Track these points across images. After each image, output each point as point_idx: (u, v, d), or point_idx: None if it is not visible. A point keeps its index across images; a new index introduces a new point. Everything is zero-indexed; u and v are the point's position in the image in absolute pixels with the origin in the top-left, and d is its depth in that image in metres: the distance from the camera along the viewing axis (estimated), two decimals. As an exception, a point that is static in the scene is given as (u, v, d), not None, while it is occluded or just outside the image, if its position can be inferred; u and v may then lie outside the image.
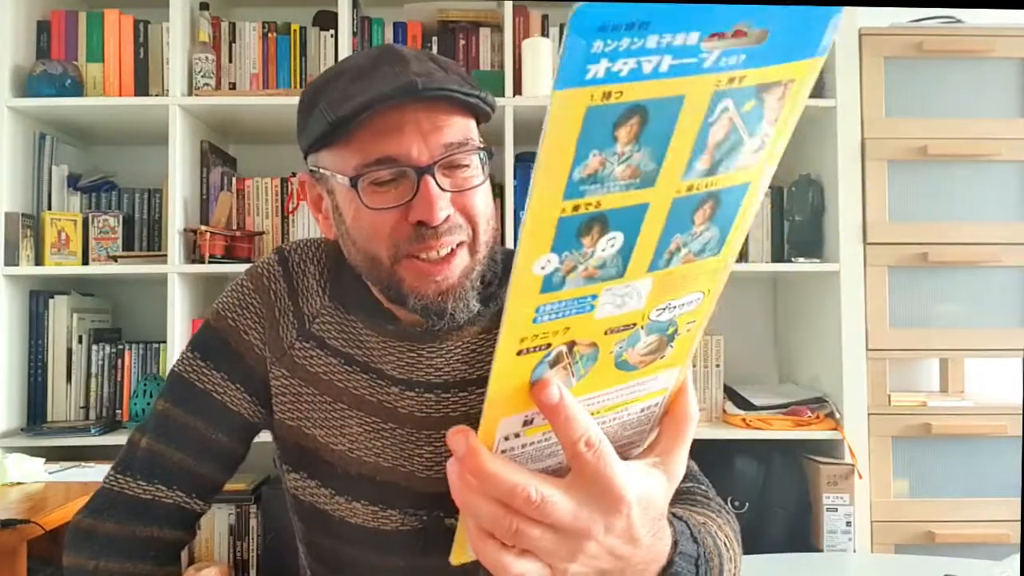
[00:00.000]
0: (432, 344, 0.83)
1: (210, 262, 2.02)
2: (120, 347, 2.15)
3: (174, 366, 0.88)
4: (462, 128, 0.75)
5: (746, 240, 2.42)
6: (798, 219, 2.18)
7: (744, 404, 2.09)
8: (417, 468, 0.83)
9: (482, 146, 0.77)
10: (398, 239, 0.75)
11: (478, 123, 0.80)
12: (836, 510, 1.99)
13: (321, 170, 0.79)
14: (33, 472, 1.75)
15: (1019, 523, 1.96)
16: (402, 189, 0.74)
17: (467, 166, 0.76)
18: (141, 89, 2.15)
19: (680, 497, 0.72)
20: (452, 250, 0.76)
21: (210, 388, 0.85)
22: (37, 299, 2.12)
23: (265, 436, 0.91)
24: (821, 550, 1.97)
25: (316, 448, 0.85)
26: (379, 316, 0.83)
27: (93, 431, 1.98)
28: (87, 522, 0.84)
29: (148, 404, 2.06)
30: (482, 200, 0.78)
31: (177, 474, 0.84)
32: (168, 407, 0.85)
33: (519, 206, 2.13)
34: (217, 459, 0.86)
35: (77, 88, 2.07)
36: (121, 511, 0.83)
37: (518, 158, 2.12)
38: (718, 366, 2.15)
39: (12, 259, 2.00)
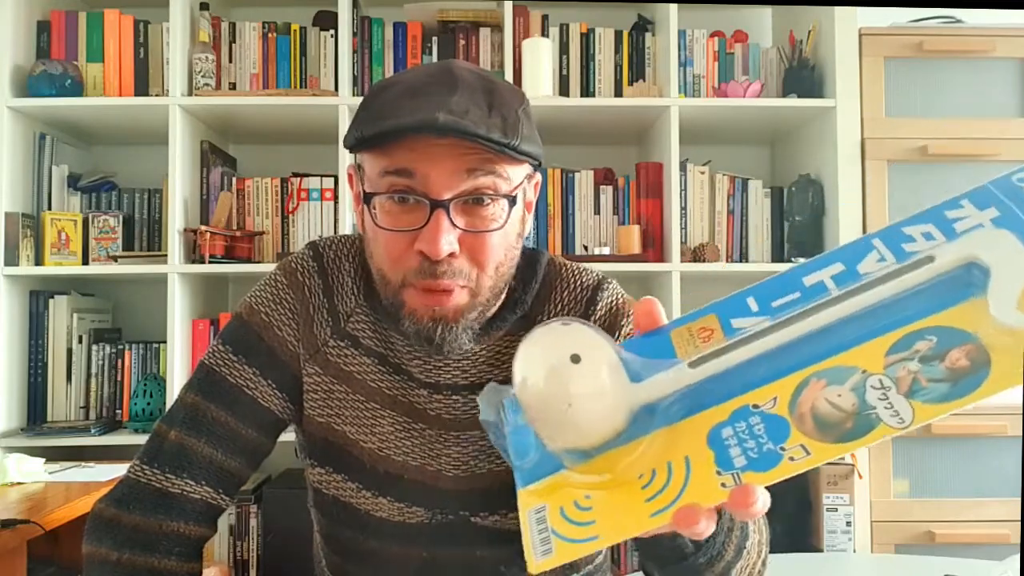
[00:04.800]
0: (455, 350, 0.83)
1: (210, 262, 2.02)
2: (120, 347, 2.15)
3: (204, 359, 0.87)
4: (490, 168, 0.74)
5: (746, 240, 2.42)
6: (798, 219, 2.18)
7: (744, 404, 2.09)
8: (444, 468, 0.84)
9: (506, 194, 0.76)
10: (405, 268, 0.76)
11: (535, 168, 0.80)
12: (836, 510, 1.99)
13: (361, 172, 0.80)
14: (33, 472, 1.75)
15: (1019, 523, 1.96)
16: (415, 216, 0.74)
17: (488, 207, 0.75)
18: (141, 89, 2.15)
19: None
20: (451, 288, 0.76)
21: (242, 383, 0.85)
22: (37, 299, 2.12)
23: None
24: (821, 550, 1.97)
25: (345, 444, 0.85)
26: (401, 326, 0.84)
27: (93, 431, 1.98)
28: (111, 512, 0.83)
29: (148, 404, 2.06)
30: (495, 244, 0.76)
31: (207, 469, 0.84)
32: (199, 400, 0.85)
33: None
34: (245, 455, 0.86)
35: (77, 88, 2.07)
36: (147, 503, 0.82)
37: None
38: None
39: (12, 259, 2.00)
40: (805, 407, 0.43)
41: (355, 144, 0.76)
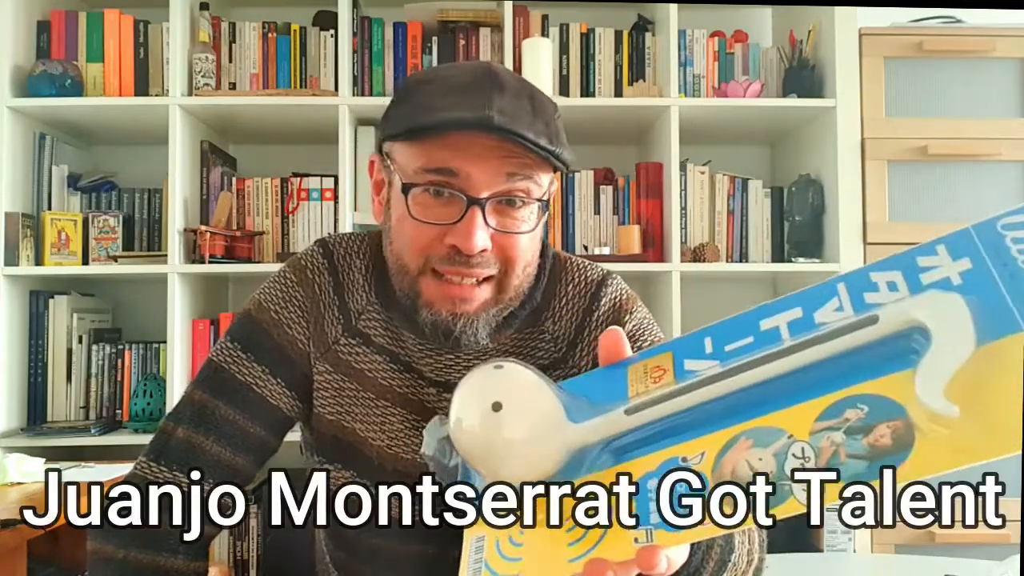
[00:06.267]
0: (468, 346, 0.84)
1: (210, 262, 2.02)
2: (120, 347, 2.15)
3: (212, 355, 0.87)
4: (528, 173, 0.76)
5: (746, 240, 2.42)
6: (798, 219, 2.18)
7: (744, 404, 2.09)
8: None
9: (541, 198, 0.77)
10: (430, 254, 0.77)
11: (556, 172, 0.81)
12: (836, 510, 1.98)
13: (389, 161, 0.80)
14: (33, 472, 1.75)
15: (1019, 523, 1.96)
16: (450, 210, 0.75)
17: (520, 209, 0.77)
18: (141, 89, 2.15)
19: None
20: (478, 281, 0.77)
21: (251, 381, 0.85)
22: (37, 299, 2.11)
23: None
24: (821, 550, 1.97)
25: (355, 442, 0.86)
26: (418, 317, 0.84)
27: (93, 431, 1.98)
28: None
29: (148, 404, 2.06)
30: (524, 246, 0.79)
31: (214, 466, 0.83)
32: (207, 397, 0.85)
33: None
34: (253, 452, 0.86)
35: (77, 88, 2.07)
36: None
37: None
38: (718, 366, 2.15)
39: (12, 259, 2.00)
40: (728, 467, 0.42)
41: (402, 132, 0.76)
